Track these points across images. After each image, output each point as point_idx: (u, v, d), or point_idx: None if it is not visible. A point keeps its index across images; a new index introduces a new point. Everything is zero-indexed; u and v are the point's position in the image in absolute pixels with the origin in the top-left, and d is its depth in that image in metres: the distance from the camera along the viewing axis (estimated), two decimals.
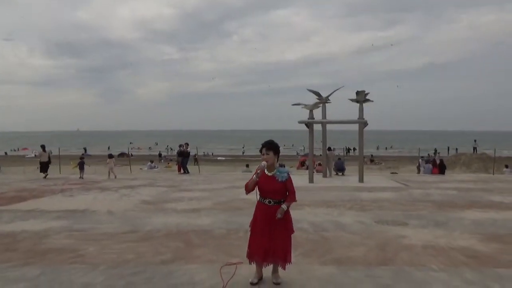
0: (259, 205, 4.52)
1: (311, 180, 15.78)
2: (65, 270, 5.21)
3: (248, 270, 4.84)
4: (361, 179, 15.90)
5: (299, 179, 16.71)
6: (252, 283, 4.63)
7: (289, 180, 4.48)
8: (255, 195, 4.59)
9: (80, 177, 18.33)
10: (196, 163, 30.16)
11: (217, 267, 5.12)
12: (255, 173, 4.43)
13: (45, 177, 18.41)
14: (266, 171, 4.47)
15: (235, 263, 5.12)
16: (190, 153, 22.85)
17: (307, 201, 10.54)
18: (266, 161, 4.42)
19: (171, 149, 71.53)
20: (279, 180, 4.43)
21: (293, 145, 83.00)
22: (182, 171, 21.19)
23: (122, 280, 4.85)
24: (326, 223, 7.97)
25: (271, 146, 4.47)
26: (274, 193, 4.41)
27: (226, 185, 14.11)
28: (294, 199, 4.50)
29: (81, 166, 19.20)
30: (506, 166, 25.74)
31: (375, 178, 18.05)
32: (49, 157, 19.54)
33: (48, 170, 19.11)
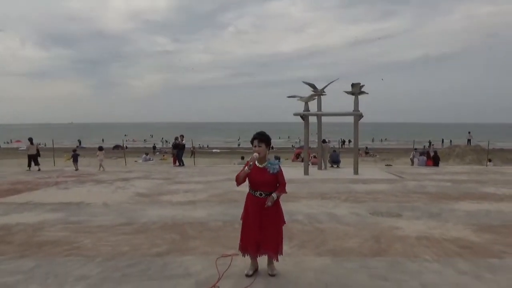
0: (250, 197, 4.53)
1: (306, 172, 15.84)
2: (61, 262, 5.22)
3: (244, 262, 4.87)
4: (356, 171, 15.99)
5: (294, 172, 16.78)
6: (247, 275, 4.66)
7: (280, 172, 4.49)
8: (248, 188, 4.59)
9: (76, 169, 18.29)
10: (192, 155, 30.12)
11: (213, 259, 5.15)
12: (247, 164, 4.43)
13: (38, 169, 18.33)
14: (257, 163, 4.47)
15: (230, 255, 5.15)
16: (186, 145, 22.79)
17: (302, 193, 10.58)
18: (258, 153, 4.42)
19: (166, 141, 71.40)
20: (271, 172, 4.43)
21: (289, 137, 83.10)
22: (177, 163, 21.17)
23: (117, 272, 4.86)
24: (321, 215, 8.01)
25: (263, 138, 4.46)
26: (265, 185, 4.42)
27: (222, 178, 14.12)
28: (284, 191, 4.51)
29: (75, 158, 19.13)
30: (490, 160, 25.84)
31: (370, 170, 18.14)
32: (37, 150, 19.42)
33: (39, 162, 19.04)
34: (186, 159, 22.67)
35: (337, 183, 12.82)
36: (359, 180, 13.83)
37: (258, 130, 4.47)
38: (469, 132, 49.19)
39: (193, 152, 31.93)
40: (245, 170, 4.41)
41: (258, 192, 4.44)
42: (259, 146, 4.43)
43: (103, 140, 78.86)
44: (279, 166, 4.53)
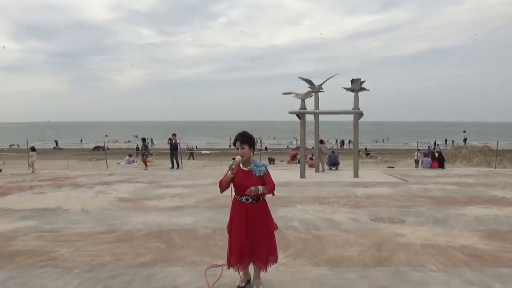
0: (236, 203, 4.50)
1: (302, 175, 15.87)
2: (36, 274, 5.16)
3: (235, 272, 4.85)
4: (356, 174, 16.05)
5: (289, 174, 16.87)
6: (239, 287, 4.65)
7: (267, 174, 4.48)
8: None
9: (32, 171, 18.64)
10: (191, 157, 30.08)
11: (202, 269, 5.12)
12: (230, 169, 4.41)
13: None
14: (241, 166, 4.46)
15: (220, 265, 5.12)
16: (183, 146, 22.87)
17: (298, 198, 10.60)
18: (242, 156, 4.41)
19: (152, 141, 71.03)
20: (257, 174, 4.42)
21: (275, 138, 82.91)
22: (175, 165, 21.21)
23: (98, 284, 4.82)
24: (319, 220, 8.02)
25: (246, 139, 4.45)
26: None
27: (211, 181, 14.12)
28: (272, 190, 4.44)
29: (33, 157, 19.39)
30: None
31: (371, 172, 18.19)
32: None
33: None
34: (186, 162, 22.62)
35: (335, 187, 12.86)
36: (359, 183, 13.88)
37: (255, 130, 4.48)
38: (464, 131, 49.52)
39: (191, 154, 31.89)
40: (228, 174, 4.39)
41: (244, 197, 4.41)
42: (242, 148, 4.42)
43: (81, 141, 78.46)
44: (266, 168, 4.52)
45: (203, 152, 43.85)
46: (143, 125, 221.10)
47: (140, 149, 22.63)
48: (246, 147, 4.43)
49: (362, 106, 15.83)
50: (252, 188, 4.29)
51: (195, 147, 48.94)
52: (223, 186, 4.44)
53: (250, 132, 4.57)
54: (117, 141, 75.32)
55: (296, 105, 16.27)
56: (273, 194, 4.50)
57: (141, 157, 21.68)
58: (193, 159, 34.36)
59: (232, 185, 4.46)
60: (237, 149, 4.45)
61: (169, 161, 21.93)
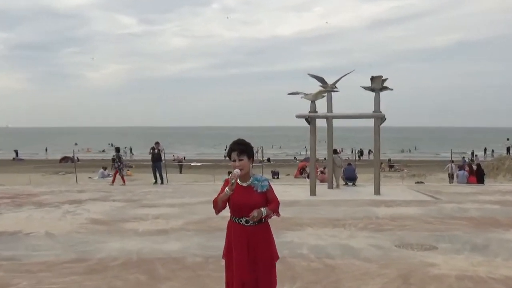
0: (233, 226, 4.44)
1: (313, 192, 15.82)
2: None
3: None
4: (377, 191, 16.00)
5: (297, 191, 16.83)
6: None
7: (270, 189, 4.43)
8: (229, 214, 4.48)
9: None
10: (180, 169, 30.05)
11: None
12: (226, 184, 4.33)
13: None
14: (239, 182, 4.40)
15: None
16: (169, 157, 22.84)
17: (307, 219, 10.55)
18: (240, 169, 4.33)
19: (131, 151, 71.00)
20: (258, 191, 4.37)
21: (280, 147, 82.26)
22: (157, 180, 21.21)
23: None
24: (332, 247, 7.97)
25: (243, 148, 4.38)
26: (253, 209, 4.28)
27: (202, 199, 14.02)
28: (277, 210, 4.39)
29: None
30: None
31: (395, 189, 18.12)
32: None
33: None
34: (173, 175, 22.52)
35: (352, 206, 12.79)
36: (381, 202, 13.81)
37: (256, 137, 4.44)
38: (507, 139, 49.39)
39: (180, 166, 31.84)
40: (226, 191, 4.30)
41: (244, 219, 4.35)
42: (239, 160, 4.35)
43: (46, 150, 78.50)
44: (269, 183, 4.49)
45: (192, 164, 43.80)
46: (122, 131, 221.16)
47: (115, 161, 22.56)
48: (245, 159, 4.36)
49: (383, 109, 15.84)
50: (255, 213, 4.23)
51: (183, 158, 48.94)
52: (218, 206, 4.35)
53: (248, 140, 4.52)
54: (89, 151, 75.46)
55: (305, 107, 16.25)
56: (279, 215, 4.45)
57: (116, 171, 21.58)
58: (181, 173, 34.28)
59: (228, 204, 4.40)
60: (233, 161, 4.38)
61: (152, 175, 21.97)
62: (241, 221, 4.37)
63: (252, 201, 4.32)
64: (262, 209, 4.28)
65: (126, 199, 14.86)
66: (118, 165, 21.71)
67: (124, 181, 21.15)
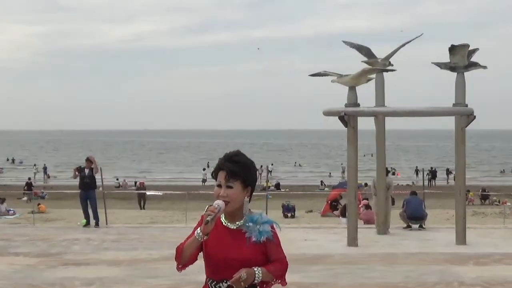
0: None
1: (352, 240, 12.32)
2: None
3: None
4: (461, 238, 12.54)
5: (327, 239, 13.70)
6: None
7: (274, 240, 3.14)
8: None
9: None
10: (142, 202, 27.30)
11: None
12: (200, 223, 3.06)
13: None
14: (223, 220, 3.19)
15: None
16: (100, 176, 16.71)
17: (343, 286, 8.97)
18: (226, 201, 3.07)
19: (45, 172, 55.64)
20: (253, 239, 3.10)
21: (300, 165, 65.85)
22: (89, 221, 15.49)
23: None
24: None
25: (237, 169, 3.09)
26: (241, 267, 3.03)
27: (165, 252, 11.03)
28: (281, 275, 3.11)
29: None
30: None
31: (493, 234, 14.61)
32: None
33: None
34: (119, 212, 19.02)
35: (420, 264, 10.53)
36: (468, 256, 11.34)
37: (229, 152, 3.10)
38: None
39: (142, 198, 28.33)
40: (196, 235, 3.05)
41: (226, 284, 3.10)
42: (227, 187, 3.07)
43: None
44: (273, 228, 3.18)
45: (149, 193, 33.25)
46: (36, 138, 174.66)
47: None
48: (237, 185, 3.06)
49: (470, 101, 11.54)
50: (243, 273, 2.99)
51: (116, 181, 41.84)
52: (182, 257, 3.07)
53: (249, 156, 3.22)
54: None
55: (337, 98, 12.48)
56: (284, 283, 3.23)
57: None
58: (143, 208, 28.87)
59: (202, 256, 3.17)
60: (218, 185, 3.12)
61: (81, 211, 15.79)
62: (221, 285, 3.17)
63: (241, 255, 3.09)
64: (256, 269, 3.05)
65: (38, 252, 12.00)
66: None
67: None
